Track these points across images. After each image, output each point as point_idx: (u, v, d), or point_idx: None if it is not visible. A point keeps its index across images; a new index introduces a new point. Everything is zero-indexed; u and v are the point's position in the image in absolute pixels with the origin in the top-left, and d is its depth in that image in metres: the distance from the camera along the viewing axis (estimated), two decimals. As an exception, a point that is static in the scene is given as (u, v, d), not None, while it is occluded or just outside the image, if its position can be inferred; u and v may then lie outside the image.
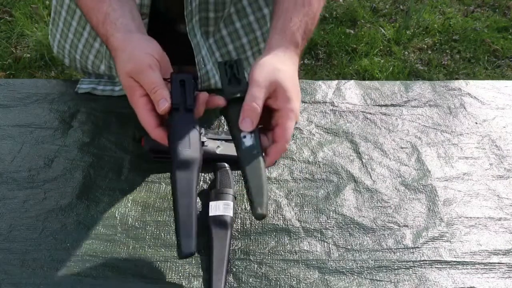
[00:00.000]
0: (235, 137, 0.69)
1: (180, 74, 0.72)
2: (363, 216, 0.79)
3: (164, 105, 0.68)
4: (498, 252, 0.75)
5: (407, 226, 0.78)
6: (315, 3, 0.83)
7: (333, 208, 0.80)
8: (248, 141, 0.68)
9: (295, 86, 0.73)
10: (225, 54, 1.02)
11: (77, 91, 1.00)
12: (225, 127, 0.94)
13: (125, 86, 0.72)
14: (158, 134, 0.70)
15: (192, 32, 0.93)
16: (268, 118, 0.71)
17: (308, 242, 0.76)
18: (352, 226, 0.78)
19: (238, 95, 0.71)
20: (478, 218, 0.80)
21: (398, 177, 0.86)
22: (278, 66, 0.73)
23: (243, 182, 0.66)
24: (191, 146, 0.68)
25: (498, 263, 0.73)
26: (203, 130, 0.81)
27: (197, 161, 0.68)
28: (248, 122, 0.68)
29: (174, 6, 0.94)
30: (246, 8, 0.99)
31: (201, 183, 0.83)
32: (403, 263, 0.73)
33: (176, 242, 0.65)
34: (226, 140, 0.90)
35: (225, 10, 0.96)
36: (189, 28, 0.92)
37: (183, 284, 0.70)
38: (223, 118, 0.95)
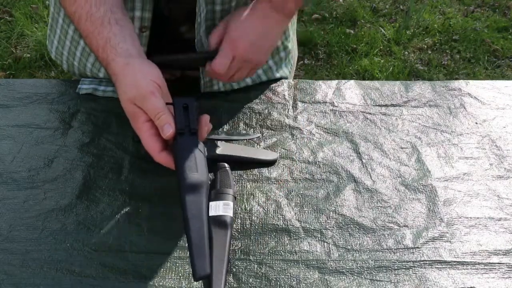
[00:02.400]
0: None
1: (182, 98, 0.73)
2: (363, 216, 0.79)
3: (168, 131, 0.69)
4: (498, 252, 0.75)
5: (407, 226, 0.78)
6: None
7: (333, 208, 0.80)
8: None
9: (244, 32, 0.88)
10: None
11: (78, 91, 1.00)
12: (225, 127, 0.94)
13: (128, 112, 0.72)
14: (163, 159, 0.71)
15: (199, 42, 0.93)
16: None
17: (308, 242, 0.75)
18: (352, 226, 0.78)
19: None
20: (478, 218, 0.80)
21: (398, 177, 0.86)
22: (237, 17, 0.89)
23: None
24: (198, 169, 0.69)
25: (498, 263, 0.73)
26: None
27: (205, 184, 0.69)
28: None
29: (179, 12, 0.95)
30: None
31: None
32: (403, 263, 0.73)
33: (190, 265, 0.65)
34: (226, 140, 0.90)
35: None
36: (197, 39, 0.93)
37: (183, 284, 0.70)
38: (223, 118, 0.95)
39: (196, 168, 0.69)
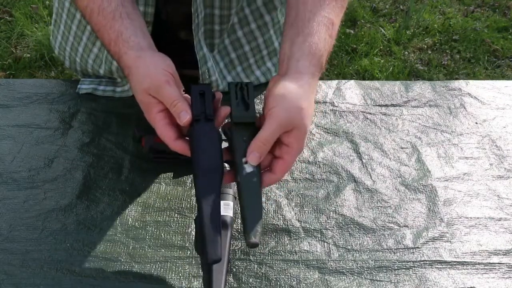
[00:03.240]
0: (235, 162, 0.70)
1: (199, 85, 0.73)
2: (363, 216, 0.79)
3: (185, 117, 0.69)
4: (498, 252, 0.75)
5: (407, 226, 0.78)
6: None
7: (333, 208, 0.80)
8: (249, 167, 0.69)
9: (310, 121, 0.71)
10: (228, 63, 1.02)
11: (78, 91, 1.00)
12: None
13: (142, 103, 0.72)
14: (179, 146, 0.71)
15: (198, 45, 0.93)
16: (274, 145, 0.69)
17: (308, 242, 0.75)
18: (352, 226, 0.78)
19: (247, 120, 0.71)
20: (478, 218, 0.80)
21: (398, 177, 0.86)
22: (301, 104, 0.69)
23: (239, 208, 0.67)
24: (214, 155, 0.69)
25: (498, 263, 0.73)
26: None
27: (219, 170, 0.69)
28: (256, 156, 0.67)
29: (177, 15, 0.95)
30: (248, 17, 0.99)
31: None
32: (403, 263, 0.73)
33: (201, 249, 0.65)
34: (226, 140, 0.90)
35: (229, 23, 0.96)
36: (196, 42, 0.93)
37: (183, 284, 0.70)
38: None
39: (212, 154, 0.69)
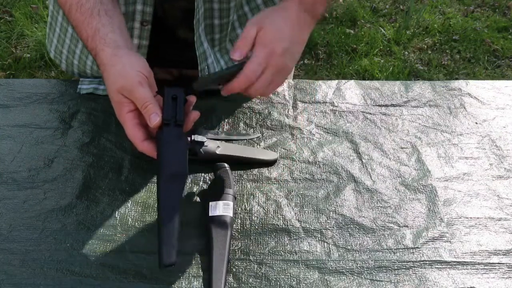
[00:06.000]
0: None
1: (173, 88, 0.74)
2: (363, 216, 0.79)
3: (155, 120, 0.70)
4: (498, 252, 0.75)
5: (407, 226, 0.78)
6: None
7: (333, 208, 0.80)
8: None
9: (286, 44, 0.78)
10: (228, 61, 1.02)
11: (79, 92, 1.00)
12: (225, 127, 0.94)
13: (114, 102, 0.74)
14: (146, 147, 0.73)
15: (199, 40, 0.93)
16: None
17: (308, 242, 0.75)
18: (352, 226, 0.78)
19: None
20: (478, 218, 0.80)
21: (398, 177, 0.86)
22: (280, 21, 0.79)
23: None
24: (179, 160, 0.71)
25: (498, 263, 0.73)
26: (197, 137, 0.84)
27: (184, 176, 0.71)
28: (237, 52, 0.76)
29: (174, 11, 0.95)
30: (248, 15, 0.99)
31: (201, 183, 0.83)
32: (403, 263, 0.73)
33: (158, 253, 0.66)
34: (226, 140, 0.90)
35: (230, 17, 0.96)
36: (196, 37, 0.93)
37: (183, 284, 0.70)
38: (223, 118, 0.95)
39: (177, 159, 0.71)
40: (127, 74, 0.72)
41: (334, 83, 1.05)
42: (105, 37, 0.76)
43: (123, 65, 0.73)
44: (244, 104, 0.98)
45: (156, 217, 0.72)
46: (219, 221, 0.74)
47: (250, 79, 0.75)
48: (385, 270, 0.72)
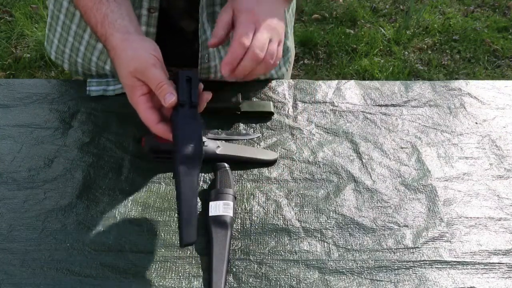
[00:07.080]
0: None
1: (186, 71, 0.75)
2: (363, 216, 0.79)
3: (171, 99, 0.70)
4: (498, 252, 0.75)
5: (407, 226, 0.78)
6: None
7: (333, 208, 0.80)
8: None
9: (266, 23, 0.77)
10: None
11: (88, 94, 0.99)
12: (225, 127, 0.94)
13: (126, 85, 0.73)
14: (160, 129, 0.72)
15: (202, 28, 0.94)
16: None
17: (308, 242, 0.75)
18: (352, 226, 0.78)
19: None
20: (478, 218, 0.80)
21: (398, 177, 0.86)
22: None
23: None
24: (195, 142, 0.71)
25: (498, 263, 0.73)
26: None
27: (200, 156, 0.71)
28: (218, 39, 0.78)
29: (178, 3, 0.95)
30: None
31: (201, 183, 0.83)
32: (403, 263, 0.73)
33: (178, 233, 0.67)
34: (226, 140, 0.90)
35: None
36: (200, 25, 0.93)
37: (183, 284, 0.70)
38: (223, 118, 0.95)
39: (193, 140, 0.71)
40: (140, 57, 0.72)
41: (334, 83, 1.05)
42: (115, 22, 0.77)
43: (135, 49, 0.74)
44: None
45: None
46: (219, 221, 0.74)
47: (243, 43, 0.73)
48: (385, 270, 0.72)
